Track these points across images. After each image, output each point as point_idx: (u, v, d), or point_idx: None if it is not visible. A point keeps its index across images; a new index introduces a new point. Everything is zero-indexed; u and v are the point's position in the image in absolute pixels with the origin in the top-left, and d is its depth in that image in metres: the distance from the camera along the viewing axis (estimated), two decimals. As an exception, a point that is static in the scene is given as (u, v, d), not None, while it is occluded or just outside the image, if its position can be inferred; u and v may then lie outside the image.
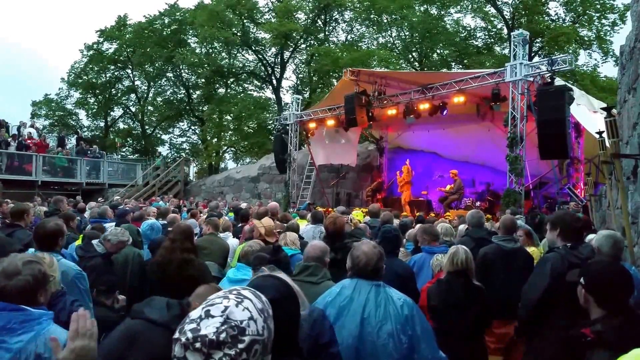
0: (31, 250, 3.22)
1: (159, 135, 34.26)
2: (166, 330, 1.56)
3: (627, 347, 1.38)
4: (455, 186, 13.77)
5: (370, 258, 2.48)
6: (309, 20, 29.06)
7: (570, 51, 22.60)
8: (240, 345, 1.08)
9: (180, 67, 30.65)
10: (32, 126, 20.08)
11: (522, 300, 3.07)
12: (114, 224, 6.08)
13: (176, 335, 1.10)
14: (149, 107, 32.98)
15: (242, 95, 30.23)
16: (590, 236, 4.06)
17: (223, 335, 1.06)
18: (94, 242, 3.99)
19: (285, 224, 5.57)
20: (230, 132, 30.50)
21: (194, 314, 1.12)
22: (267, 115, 29.26)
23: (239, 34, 28.26)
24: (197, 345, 1.05)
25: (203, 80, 30.29)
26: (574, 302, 2.29)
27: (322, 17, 29.54)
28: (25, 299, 1.92)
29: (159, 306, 1.71)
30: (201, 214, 8.71)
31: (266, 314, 1.19)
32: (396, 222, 6.47)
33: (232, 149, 33.15)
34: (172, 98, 32.66)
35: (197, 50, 29.88)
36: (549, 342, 2.78)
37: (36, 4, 77.83)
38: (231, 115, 28.83)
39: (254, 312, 1.15)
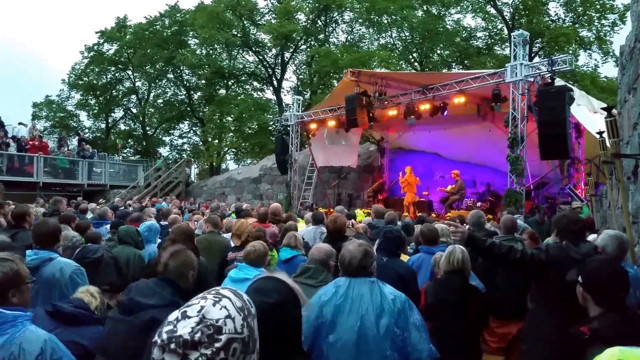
0: (28, 251, 3.24)
1: (160, 137, 34.31)
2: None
3: (622, 344, 1.40)
4: (457, 186, 13.77)
5: (353, 256, 2.51)
6: (309, 21, 29.10)
7: (571, 52, 22.61)
8: (217, 345, 1.06)
9: (181, 69, 30.70)
10: (31, 127, 20.10)
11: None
12: (108, 225, 6.12)
13: (154, 338, 1.09)
14: (150, 109, 33.03)
15: (242, 96, 30.26)
16: (593, 236, 4.07)
17: (198, 335, 1.05)
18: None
19: (284, 225, 5.57)
20: (231, 133, 30.55)
21: (172, 316, 1.12)
22: (268, 116, 29.31)
23: (239, 35, 28.32)
24: (172, 346, 1.04)
25: (204, 81, 30.33)
26: (571, 301, 2.31)
27: (322, 18, 29.58)
28: None
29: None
30: (203, 215, 8.71)
31: (246, 312, 1.17)
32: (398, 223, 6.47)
33: (233, 150, 33.18)
34: (172, 99, 32.72)
35: (198, 52, 29.93)
36: (549, 341, 2.79)
37: (35, 4, 78.02)
38: (232, 116, 28.87)
39: (232, 310, 1.13)
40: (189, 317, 1.09)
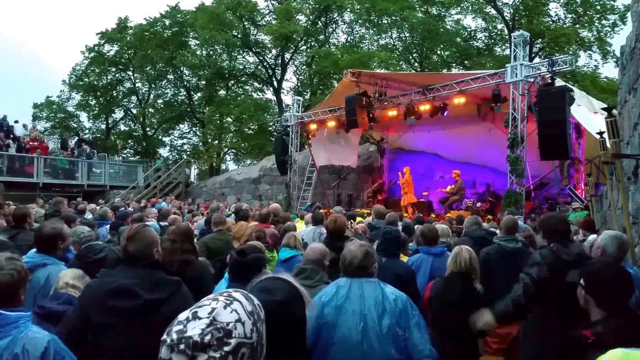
0: (32, 251, 3.22)
1: (160, 137, 34.32)
2: None
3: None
4: (457, 187, 13.76)
5: (354, 256, 2.50)
6: (309, 22, 29.11)
7: (571, 52, 22.61)
8: (226, 348, 1.06)
9: (181, 69, 30.71)
10: (31, 128, 20.08)
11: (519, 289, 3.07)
12: (108, 226, 6.10)
13: (163, 336, 1.09)
14: (150, 109, 33.03)
15: (242, 97, 30.28)
16: (592, 236, 4.06)
17: (208, 337, 1.05)
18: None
19: (282, 225, 5.57)
20: (231, 133, 30.55)
21: (182, 315, 1.11)
22: (268, 116, 29.32)
23: (239, 35, 28.33)
24: (182, 346, 1.04)
25: (204, 82, 30.34)
26: (569, 302, 2.29)
27: (322, 19, 29.61)
28: (8, 297, 1.87)
29: None
30: (202, 216, 8.70)
31: (256, 317, 1.17)
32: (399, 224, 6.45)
33: (233, 150, 33.19)
34: (172, 100, 32.71)
35: (198, 52, 29.95)
36: (546, 346, 2.78)
37: (37, 4, 78.07)
38: (232, 117, 28.89)
39: (243, 314, 1.13)
40: (200, 318, 1.08)
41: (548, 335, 2.77)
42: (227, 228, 5.62)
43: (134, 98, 33.36)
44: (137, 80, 32.88)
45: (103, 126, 33.73)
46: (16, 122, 18.72)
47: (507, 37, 24.75)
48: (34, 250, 3.24)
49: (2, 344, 1.78)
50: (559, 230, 3.03)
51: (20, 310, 1.89)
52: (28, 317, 1.90)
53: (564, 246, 2.95)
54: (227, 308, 1.12)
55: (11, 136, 17.53)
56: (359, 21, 29.01)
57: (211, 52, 29.90)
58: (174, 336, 1.06)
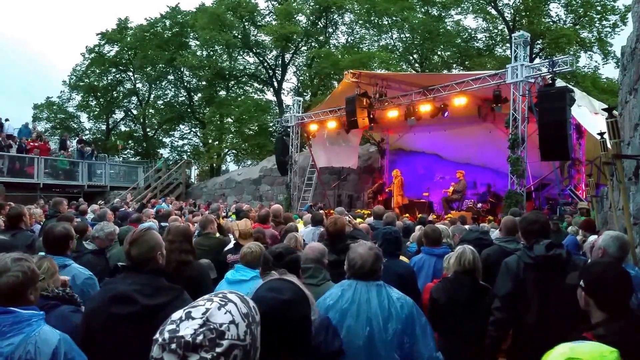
0: (42, 253, 3.21)
1: (160, 138, 34.32)
2: None
3: (630, 351, 1.37)
4: (460, 186, 13.75)
5: (365, 260, 2.47)
6: (309, 23, 29.12)
7: (571, 53, 22.59)
8: (218, 349, 1.05)
9: (182, 70, 30.71)
10: (32, 129, 20.05)
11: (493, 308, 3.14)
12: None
13: (156, 335, 1.08)
14: (150, 110, 33.03)
15: (243, 97, 30.29)
16: (593, 237, 4.05)
17: (200, 338, 1.04)
18: (85, 242, 3.99)
19: (284, 226, 5.55)
20: (231, 134, 30.55)
21: (176, 315, 1.10)
22: (268, 117, 29.33)
23: (239, 36, 28.35)
24: (173, 346, 1.03)
25: (204, 82, 30.34)
26: (557, 302, 2.30)
27: (323, 19, 29.61)
28: (14, 297, 1.89)
29: None
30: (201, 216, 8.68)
31: (251, 319, 1.15)
32: (398, 224, 6.44)
33: (234, 151, 33.19)
34: (173, 101, 32.72)
35: (198, 53, 29.95)
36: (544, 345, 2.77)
37: (37, 5, 78.17)
38: (232, 117, 28.90)
39: (237, 316, 1.11)
40: (193, 319, 1.07)
41: (541, 338, 2.77)
42: (228, 229, 5.62)
43: (134, 99, 33.36)
44: (138, 81, 32.90)
45: (103, 127, 33.73)
46: (7, 120, 18.51)
47: (507, 37, 24.74)
48: (41, 253, 3.22)
49: (15, 340, 1.82)
50: (529, 231, 3.15)
51: (32, 309, 1.93)
52: (41, 316, 1.94)
53: (529, 249, 3.03)
54: (222, 309, 1.11)
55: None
56: (359, 22, 29.01)
57: (211, 53, 29.91)
58: (166, 335, 1.05)
